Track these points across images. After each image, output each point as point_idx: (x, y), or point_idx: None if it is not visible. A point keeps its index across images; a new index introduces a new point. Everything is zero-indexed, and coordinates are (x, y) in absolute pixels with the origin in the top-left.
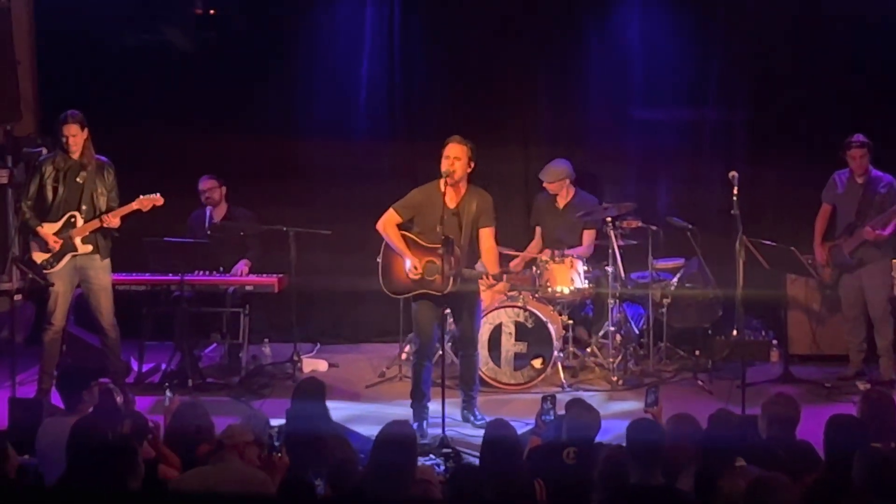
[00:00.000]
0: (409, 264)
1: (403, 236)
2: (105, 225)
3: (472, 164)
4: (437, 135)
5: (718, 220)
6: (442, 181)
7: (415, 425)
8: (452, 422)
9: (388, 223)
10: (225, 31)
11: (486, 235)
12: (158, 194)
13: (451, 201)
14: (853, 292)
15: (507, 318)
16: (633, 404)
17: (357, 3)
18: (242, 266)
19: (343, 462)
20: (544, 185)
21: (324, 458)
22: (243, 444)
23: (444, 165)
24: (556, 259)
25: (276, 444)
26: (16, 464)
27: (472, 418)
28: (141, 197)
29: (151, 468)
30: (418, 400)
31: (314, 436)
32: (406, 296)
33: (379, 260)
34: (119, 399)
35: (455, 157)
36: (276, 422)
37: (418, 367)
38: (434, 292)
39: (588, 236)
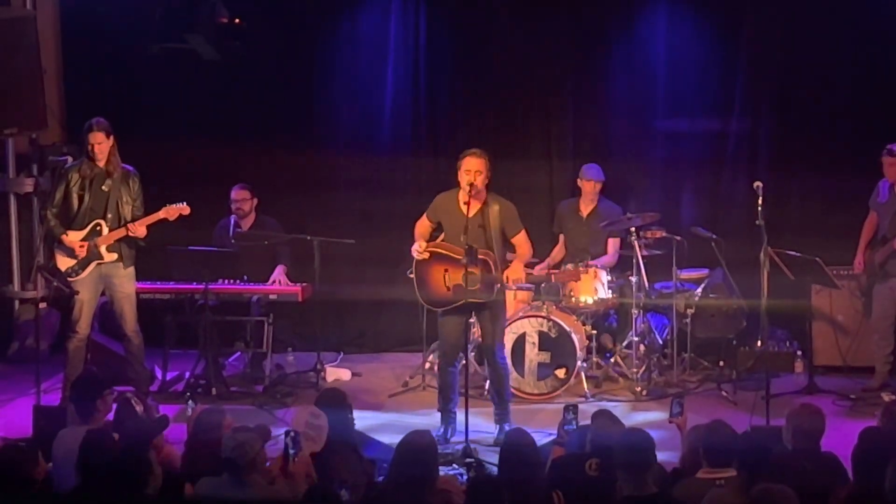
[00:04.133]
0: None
1: (437, 252)
2: (131, 234)
3: (490, 175)
4: (461, 146)
5: (743, 231)
6: (462, 192)
7: (440, 430)
8: (481, 434)
9: (417, 227)
10: (250, 41)
11: (520, 243)
12: (185, 203)
13: (472, 210)
14: (885, 302)
15: (530, 328)
16: (656, 415)
17: (382, 14)
18: (280, 273)
19: (358, 473)
20: (583, 181)
21: (338, 468)
22: (254, 455)
23: (465, 180)
24: (581, 270)
25: (292, 451)
26: (44, 470)
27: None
28: (167, 206)
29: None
30: (444, 404)
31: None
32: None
33: (411, 274)
34: (139, 408)
35: (476, 170)
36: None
37: (443, 373)
38: (476, 301)
39: (613, 244)
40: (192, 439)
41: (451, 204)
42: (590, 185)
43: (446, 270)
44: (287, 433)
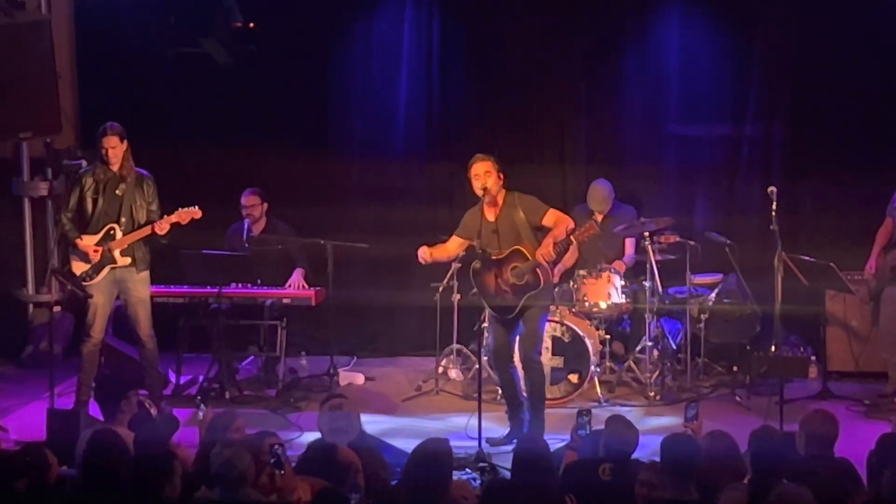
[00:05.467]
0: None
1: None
2: (157, 231)
3: (503, 175)
4: (474, 151)
5: (757, 236)
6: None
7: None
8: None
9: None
10: (264, 46)
11: (552, 221)
12: (197, 207)
13: (490, 215)
14: (894, 307)
15: (545, 333)
16: (670, 420)
17: (396, 20)
18: (298, 276)
19: (373, 476)
20: (590, 206)
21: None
22: (243, 469)
23: (476, 186)
24: (594, 274)
25: (281, 461)
26: (56, 473)
27: None
28: (180, 210)
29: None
30: (507, 408)
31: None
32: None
33: (474, 293)
34: (153, 411)
35: (485, 172)
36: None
37: (498, 376)
38: (533, 293)
39: (630, 244)
40: (204, 442)
41: (476, 214)
42: (602, 210)
43: (496, 275)
44: (271, 446)
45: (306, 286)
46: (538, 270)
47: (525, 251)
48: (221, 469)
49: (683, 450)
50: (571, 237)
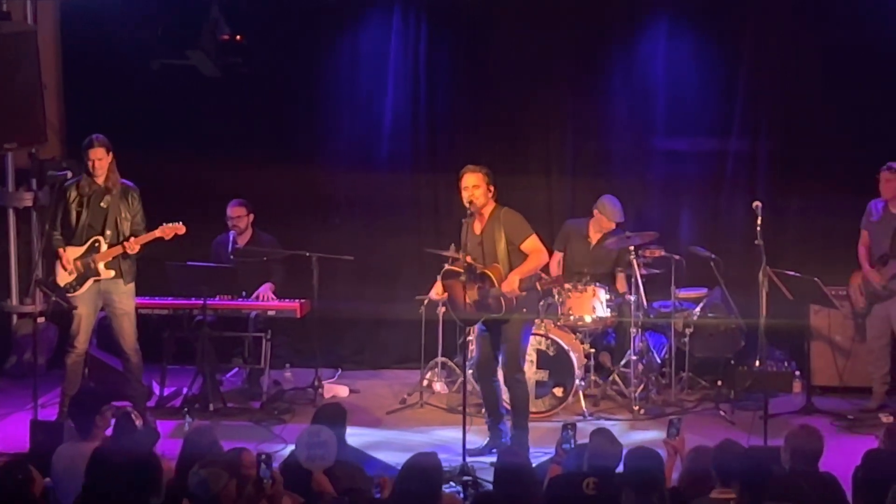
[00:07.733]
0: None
1: (454, 271)
2: (127, 251)
3: (493, 188)
4: (460, 162)
5: (741, 250)
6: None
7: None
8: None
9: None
10: (251, 58)
11: (529, 249)
12: (181, 223)
13: (477, 228)
14: (881, 322)
15: (528, 346)
16: (654, 434)
17: (383, 32)
18: (266, 290)
19: (356, 490)
20: (601, 216)
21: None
22: (218, 490)
23: (464, 197)
24: (579, 287)
25: (266, 472)
26: (41, 486)
27: None
28: (163, 225)
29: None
30: (487, 418)
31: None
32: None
33: (446, 294)
34: (138, 423)
35: (473, 185)
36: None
37: (480, 387)
38: (494, 315)
39: (621, 281)
40: (183, 455)
41: (468, 225)
42: (607, 224)
43: (465, 287)
44: (258, 456)
45: (274, 300)
46: (502, 299)
47: (494, 277)
48: (197, 489)
49: (646, 463)
50: (537, 283)
